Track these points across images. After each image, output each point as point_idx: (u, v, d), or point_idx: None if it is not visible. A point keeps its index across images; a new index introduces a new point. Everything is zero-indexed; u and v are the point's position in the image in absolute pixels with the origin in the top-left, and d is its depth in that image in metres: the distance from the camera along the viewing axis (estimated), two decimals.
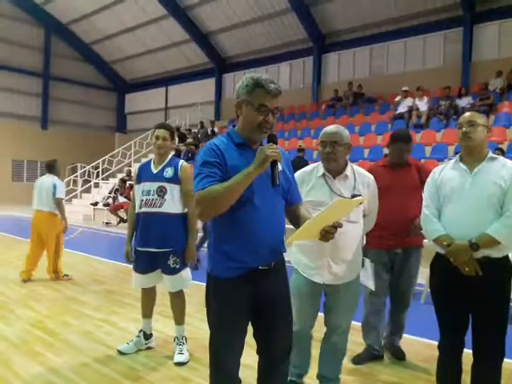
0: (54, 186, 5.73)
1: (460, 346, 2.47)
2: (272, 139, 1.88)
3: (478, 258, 2.28)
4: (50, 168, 6.00)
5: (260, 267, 1.93)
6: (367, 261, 2.90)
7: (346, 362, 3.22)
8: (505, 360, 2.35)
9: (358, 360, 3.25)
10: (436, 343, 2.58)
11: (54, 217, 5.80)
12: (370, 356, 3.28)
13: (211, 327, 1.99)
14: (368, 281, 2.89)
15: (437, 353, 2.57)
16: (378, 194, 2.84)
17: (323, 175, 2.58)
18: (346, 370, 3.08)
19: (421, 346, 3.16)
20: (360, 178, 2.62)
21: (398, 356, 3.29)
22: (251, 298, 1.95)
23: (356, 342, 3.41)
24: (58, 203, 5.75)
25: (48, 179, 5.87)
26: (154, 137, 3.30)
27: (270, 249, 1.94)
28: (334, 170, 2.58)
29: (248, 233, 1.89)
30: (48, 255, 5.82)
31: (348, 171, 2.60)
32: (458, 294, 2.40)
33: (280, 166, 1.94)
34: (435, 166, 2.74)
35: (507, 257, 2.38)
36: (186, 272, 3.34)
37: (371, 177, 2.69)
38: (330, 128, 2.61)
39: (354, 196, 2.53)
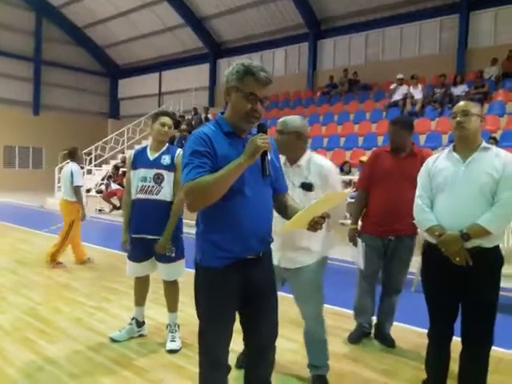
0: (72, 174, 5.79)
1: (449, 334, 2.51)
2: (262, 129, 1.85)
3: (469, 247, 2.30)
4: (71, 155, 6.09)
5: (249, 257, 1.93)
6: (359, 241, 3.24)
7: (336, 349, 3.27)
8: (492, 348, 2.39)
9: (350, 337, 3.41)
10: (426, 331, 2.61)
11: (68, 204, 5.84)
12: (360, 333, 3.44)
13: (200, 316, 2.00)
14: (357, 259, 3.24)
15: (426, 340, 2.60)
16: (377, 179, 2.93)
17: (284, 163, 2.62)
18: (335, 357, 3.12)
19: (411, 333, 3.20)
20: (314, 167, 2.61)
21: (388, 343, 3.34)
22: (240, 287, 1.95)
23: (349, 329, 3.45)
24: (75, 191, 5.78)
25: (67, 167, 5.97)
26: (160, 124, 3.26)
27: (258, 239, 1.95)
28: (290, 158, 2.64)
29: (238, 223, 1.88)
30: (58, 240, 5.88)
31: (302, 161, 2.63)
32: (449, 283, 2.42)
33: (269, 156, 1.92)
34: (430, 154, 2.73)
35: (498, 247, 2.40)
36: (181, 261, 3.34)
37: (329, 168, 2.65)
38: (286, 118, 2.67)
39: (303, 184, 2.58)
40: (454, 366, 2.49)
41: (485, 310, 2.36)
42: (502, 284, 2.44)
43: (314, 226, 1.84)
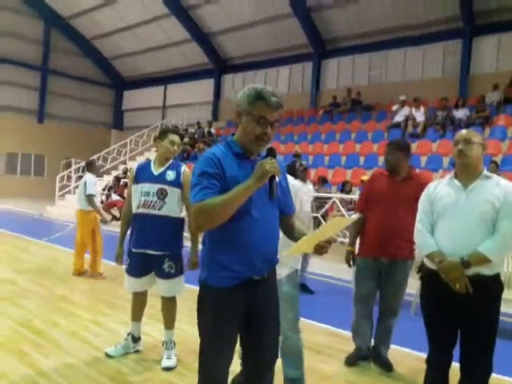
0: (85, 184, 5.99)
1: (448, 360, 2.49)
2: (271, 153, 1.88)
3: (469, 275, 2.30)
4: (88, 166, 6.41)
5: (254, 277, 1.94)
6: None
7: (331, 370, 3.24)
8: (492, 375, 2.37)
9: (348, 360, 3.38)
10: (424, 355, 2.60)
11: (84, 214, 6.06)
12: (358, 356, 3.41)
13: (202, 335, 1.99)
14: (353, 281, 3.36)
15: (424, 365, 2.59)
16: (373, 201, 2.97)
17: None
18: (330, 379, 3.13)
19: (409, 357, 3.17)
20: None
21: (386, 367, 3.31)
22: (244, 307, 1.96)
23: (345, 350, 3.42)
24: (88, 199, 5.98)
25: (84, 177, 6.21)
26: (169, 142, 3.28)
27: (264, 260, 1.96)
28: None
29: (244, 244, 1.90)
30: (76, 250, 6.06)
31: None
32: (448, 310, 2.41)
33: (277, 178, 1.95)
34: (430, 176, 2.75)
35: (498, 274, 2.40)
36: (181, 278, 3.33)
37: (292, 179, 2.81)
38: None
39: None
40: None
41: (484, 337, 2.35)
42: (502, 309, 2.44)
43: (320, 250, 1.86)
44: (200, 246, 2.02)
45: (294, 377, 2.80)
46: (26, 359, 3.21)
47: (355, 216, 1.87)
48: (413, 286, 4.92)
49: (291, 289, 2.75)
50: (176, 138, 3.31)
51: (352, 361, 3.39)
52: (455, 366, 2.46)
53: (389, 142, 3.40)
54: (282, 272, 2.63)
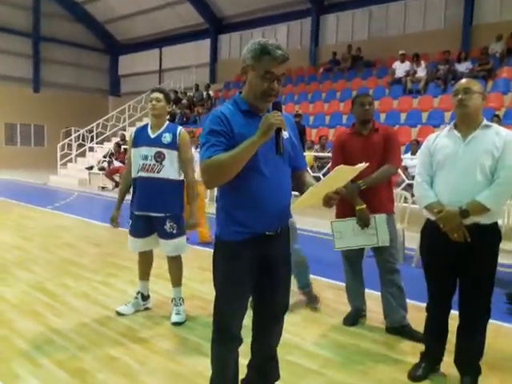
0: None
1: (447, 307, 2.58)
2: (276, 107, 1.88)
3: (468, 224, 2.34)
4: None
5: (267, 233, 1.99)
6: (377, 217, 3.10)
7: (337, 323, 3.36)
8: (490, 321, 2.46)
9: (346, 321, 3.38)
10: (424, 305, 2.68)
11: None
12: (356, 317, 3.41)
13: (217, 288, 2.06)
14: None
15: (425, 314, 2.68)
16: (347, 162, 2.89)
17: None
18: (336, 330, 3.24)
19: (410, 308, 3.26)
20: None
21: (416, 339, 3.00)
22: (256, 261, 2.01)
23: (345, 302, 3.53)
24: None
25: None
26: (149, 99, 3.30)
27: (276, 216, 1.99)
28: None
29: (255, 201, 1.93)
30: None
31: None
32: (447, 259, 2.47)
33: (286, 134, 1.95)
34: (431, 132, 2.75)
35: (496, 223, 2.44)
36: (183, 238, 3.40)
37: None
38: None
39: None
40: (452, 339, 2.57)
41: (483, 285, 2.42)
42: (500, 260, 2.49)
43: (328, 201, 1.87)
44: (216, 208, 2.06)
45: (305, 283, 3.68)
46: (39, 319, 3.33)
47: (362, 165, 1.82)
48: (414, 240, 5.02)
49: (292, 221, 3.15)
50: (155, 94, 3.29)
51: (350, 321, 3.37)
52: (454, 313, 2.55)
53: (363, 94, 3.32)
54: None
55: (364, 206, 3.08)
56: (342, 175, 1.88)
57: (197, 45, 19.79)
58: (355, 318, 3.40)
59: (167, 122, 3.37)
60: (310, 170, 7.99)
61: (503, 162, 2.30)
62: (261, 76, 1.86)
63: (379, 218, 3.10)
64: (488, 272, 2.42)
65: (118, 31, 22.60)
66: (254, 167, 1.89)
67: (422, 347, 2.72)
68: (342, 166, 1.81)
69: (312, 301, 3.73)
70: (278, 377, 2.33)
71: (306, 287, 3.74)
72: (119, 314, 3.45)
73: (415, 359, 2.71)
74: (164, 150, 3.25)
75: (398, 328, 3.17)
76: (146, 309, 3.57)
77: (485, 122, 2.43)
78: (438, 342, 2.63)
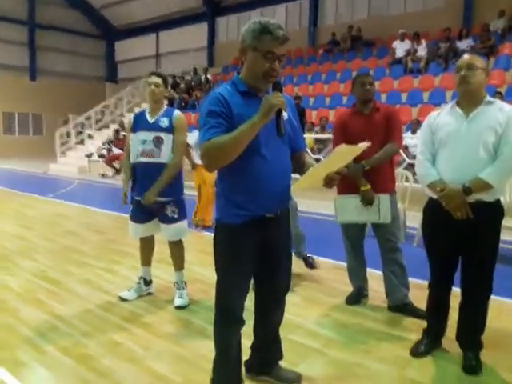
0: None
1: (449, 284, 2.58)
2: (277, 87, 1.84)
3: (470, 202, 2.31)
4: None
5: (267, 215, 1.97)
6: (381, 197, 3.07)
7: (338, 302, 3.37)
8: (492, 297, 2.46)
9: (348, 300, 3.40)
10: (426, 283, 2.68)
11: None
12: (358, 296, 3.42)
13: (218, 271, 2.06)
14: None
15: (427, 292, 2.68)
16: (348, 142, 2.85)
17: None
18: (338, 309, 3.27)
19: (412, 286, 3.26)
20: None
21: (419, 316, 3.00)
22: (257, 243, 2.01)
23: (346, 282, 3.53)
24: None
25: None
26: (147, 84, 3.25)
27: (276, 198, 1.98)
28: None
29: (255, 183, 1.91)
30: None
31: None
32: (450, 237, 2.46)
33: (286, 115, 1.93)
34: (432, 111, 2.70)
35: (499, 200, 2.42)
36: (184, 222, 3.39)
37: None
38: None
39: None
40: (454, 315, 2.57)
41: (485, 262, 2.41)
42: (503, 236, 2.48)
43: (330, 182, 1.85)
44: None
45: (302, 251, 4.03)
46: (43, 307, 3.35)
47: (364, 144, 1.78)
48: (416, 219, 5.00)
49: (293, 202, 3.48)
50: (153, 78, 3.23)
51: (352, 301, 3.37)
52: (456, 290, 2.55)
53: (363, 74, 3.29)
54: None
55: (369, 186, 3.06)
56: (344, 155, 1.84)
57: (194, 28, 19.53)
58: (357, 297, 3.41)
59: (165, 107, 3.32)
60: (310, 153, 7.95)
61: (506, 138, 2.27)
62: (262, 56, 1.82)
63: (383, 198, 3.09)
64: (491, 249, 2.41)
65: (113, 16, 22.30)
66: (254, 149, 1.86)
67: (424, 324, 2.73)
68: (343, 145, 1.77)
69: (310, 264, 4.06)
70: (281, 357, 2.35)
71: (303, 252, 4.07)
72: (122, 299, 3.46)
73: (417, 336, 2.73)
74: (162, 135, 3.22)
75: (400, 306, 3.18)
76: (149, 294, 3.58)
77: (488, 98, 2.39)
78: (440, 318, 2.64)
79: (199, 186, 5.98)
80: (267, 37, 1.80)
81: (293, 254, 2.97)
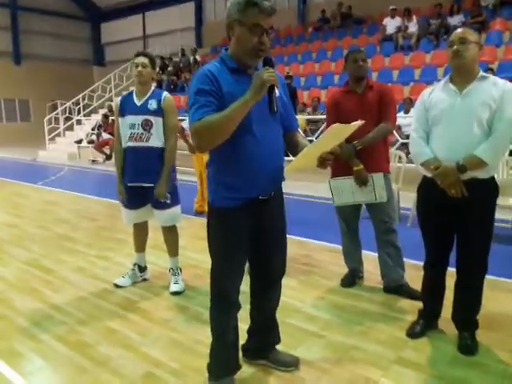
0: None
1: (444, 264, 2.58)
2: (268, 63, 1.78)
3: (465, 179, 2.29)
4: None
5: (260, 197, 1.94)
6: (375, 176, 3.03)
7: (333, 284, 3.38)
8: (487, 276, 2.46)
9: (344, 283, 3.39)
10: (421, 263, 2.68)
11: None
12: (353, 278, 3.42)
13: (212, 255, 2.04)
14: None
15: (421, 273, 2.68)
16: (341, 121, 2.81)
17: None
18: (332, 291, 3.28)
19: (407, 267, 3.27)
20: None
21: (414, 297, 3.02)
22: (251, 227, 1.98)
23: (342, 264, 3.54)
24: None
25: None
26: (134, 65, 3.15)
27: (270, 179, 1.94)
28: None
29: (248, 163, 1.86)
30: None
31: None
32: (444, 216, 2.44)
33: (277, 92, 1.87)
34: (424, 89, 2.65)
35: (493, 177, 2.40)
36: (177, 207, 3.35)
37: None
38: None
39: None
40: (449, 295, 2.59)
41: (480, 240, 2.40)
42: (497, 215, 2.47)
43: (323, 162, 1.81)
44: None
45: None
46: (37, 296, 3.32)
47: (357, 122, 1.74)
48: (409, 200, 5.01)
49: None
50: (140, 59, 3.13)
51: (347, 283, 3.36)
52: (451, 270, 2.55)
53: (356, 50, 3.17)
54: None
55: (361, 166, 3.02)
56: (337, 134, 1.80)
57: (181, 8, 19.13)
58: (352, 279, 3.41)
59: (153, 88, 3.24)
60: (302, 134, 7.89)
61: (501, 113, 2.24)
62: (248, 30, 1.76)
63: (376, 177, 3.05)
64: (485, 227, 2.40)
65: None
66: (246, 128, 1.81)
67: (419, 305, 2.74)
68: (337, 124, 1.73)
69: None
70: (278, 340, 2.35)
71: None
72: (117, 286, 3.44)
73: (413, 317, 2.74)
74: (151, 118, 3.14)
75: (396, 287, 3.19)
76: (144, 280, 3.56)
77: (481, 73, 2.35)
78: (435, 298, 2.65)
79: (200, 172, 5.74)
80: (253, 9, 1.75)
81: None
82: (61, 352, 2.54)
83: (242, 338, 2.26)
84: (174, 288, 3.33)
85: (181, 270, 3.47)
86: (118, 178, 3.32)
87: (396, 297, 3.15)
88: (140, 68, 3.12)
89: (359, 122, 1.77)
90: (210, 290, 2.07)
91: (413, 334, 2.61)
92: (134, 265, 3.54)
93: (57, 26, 21.73)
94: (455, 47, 2.30)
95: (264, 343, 2.32)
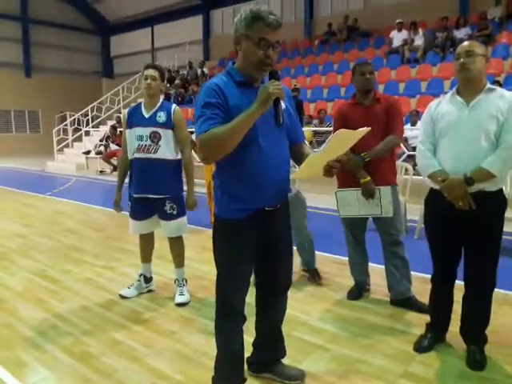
0: None
1: (452, 277, 2.55)
2: (274, 76, 1.80)
3: (473, 192, 2.28)
4: None
5: (266, 208, 1.94)
6: (382, 189, 3.03)
7: (339, 297, 3.35)
8: (496, 290, 2.43)
9: (350, 295, 3.36)
10: (428, 276, 2.66)
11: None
12: (359, 290, 3.39)
13: (218, 267, 2.04)
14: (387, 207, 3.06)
15: (429, 286, 2.65)
16: None
17: None
18: (339, 304, 3.25)
19: (414, 279, 3.24)
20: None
21: (422, 310, 2.99)
22: (257, 238, 1.98)
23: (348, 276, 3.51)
24: None
25: None
26: (143, 77, 3.19)
27: (275, 190, 1.95)
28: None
29: (254, 175, 1.87)
30: None
31: None
32: (452, 228, 2.42)
33: (283, 104, 1.89)
34: (431, 101, 2.66)
35: (501, 190, 2.38)
36: (183, 218, 3.35)
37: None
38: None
39: None
40: (457, 309, 2.55)
41: (488, 254, 2.38)
42: (506, 228, 2.45)
43: (329, 170, 1.81)
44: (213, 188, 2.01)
45: (308, 260, 3.75)
46: (43, 306, 3.32)
47: (364, 128, 1.73)
48: (416, 211, 4.98)
49: (299, 203, 3.58)
50: (149, 71, 3.16)
51: (354, 296, 3.34)
52: (459, 283, 2.52)
53: (363, 63, 3.17)
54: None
55: (369, 178, 3.02)
56: (343, 141, 1.79)
57: (189, 21, 19.39)
58: (359, 291, 3.38)
59: (161, 100, 3.27)
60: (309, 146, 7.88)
61: (508, 125, 2.23)
62: (255, 44, 1.79)
63: (384, 190, 3.04)
64: (494, 240, 2.37)
65: (107, 11, 22.11)
66: (252, 140, 1.83)
67: (427, 318, 2.71)
68: (342, 130, 1.72)
69: (314, 277, 3.74)
70: (284, 354, 2.33)
71: (310, 264, 3.78)
72: (123, 297, 3.44)
73: (421, 330, 2.71)
74: (159, 130, 3.17)
75: (403, 300, 3.16)
76: (150, 291, 3.56)
77: (488, 85, 2.35)
78: (443, 312, 2.61)
79: (209, 183, 5.72)
80: (259, 23, 1.77)
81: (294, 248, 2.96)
82: (65, 362, 2.54)
83: (248, 351, 2.24)
84: (179, 299, 3.32)
85: (186, 281, 3.46)
86: (117, 187, 3.39)
87: (403, 310, 3.12)
88: (149, 80, 3.15)
89: (365, 129, 1.76)
90: (215, 301, 2.07)
91: (420, 348, 2.58)
92: (140, 275, 3.53)
93: (67, 38, 22.09)
94: (462, 60, 2.30)
95: (269, 356, 2.30)
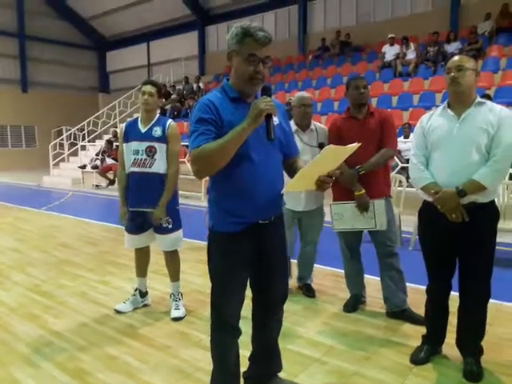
0: None
1: (447, 289, 2.56)
2: (266, 92, 1.83)
3: (465, 204, 2.31)
4: None
5: (260, 222, 1.96)
6: (376, 202, 3.07)
7: (336, 310, 3.35)
8: (490, 301, 2.44)
9: (346, 308, 3.36)
10: (423, 287, 2.67)
11: None
12: (355, 303, 3.38)
13: (212, 281, 2.04)
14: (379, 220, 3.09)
15: (424, 297, 2.66)
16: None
17: (296, 131, 3.31)
18: (335, 317, 3.24)
19: (409, 291, 3.25)
20: (320, 130, 3.45)
21: (418, 323, 2.97)
22: (252, 251, 1.99)
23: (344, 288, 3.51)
24: None
25: None
26: (141, 93, 3.22)
27: (269, 204, 1.96)
28: (306, 125, 3.42)
29: (247, 189, 1.89)
30: None
31: (313, 126, 3.45)
32: (446, 240, 2.45)
33: (276, 119, 1.91)
34: (423, 114, 2.70)
35: (493, 201, 2.42)
36: (179, 232, 3.36)
37: (326, 128, 3.46)
38: (304, 93, 3.55)
39: (321, 145, 3.33)
40: (453, 320, 2.56)
41: (482, 265, 2.40)
42: (499, 239, 2.47)
43: (322, 185, 1.82)
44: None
45: (304, 275, 3.77)
46: (38, 321, 3.30)
47: (354, 145, 1.76)
48: (411, 223, 5.01)
49: (321, 218, 3.63)
50: (146, 87, 3.20)
51: (350, 308, 3.34)
52: (454, 294, 2.53)
53: (357, 77, 3.21)
54: (314, 204, 3.50)
55: (363, 191, 3.05)
56: (333, 156, 1.81)
57: (184, 37, 19.58)
58: (355, 304, 3.38)
59: (158, 116, 3.30)
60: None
61: (499, 139, 2.27)
62: (245, 59, 1.82)
63: (378, 204, 3.07)
64: (487, 251, 2.40)
65: (103, 27, 22.30)
66: (244, 154, 1.85)
67: (423, 330, 2.71)
68: (331, 145, 1.76)
69: (308, 292, 3.72)
70: (280, 368, 2.32)
71: (304, 279, 3.80)
72: (118, 312, 3.42)
73: (417, 342, 2.71)
74: (155, 144, 3.19)
75: (399, 312, 3.16)
76: (145, 305, 3.54)
77: (478, 99, 2.40)
78: (439, 324, 2.62)
79: None
80: (248, 40, 1.81)
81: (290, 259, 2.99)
82: (60, 379, 2.51)
83: (244, 365, 2.23)
84: (174, 314, 3.30)
85: (182, 295, 3.45)
86: (120, 201, 3.36)
87: (399, 321, 3.12)
88: (146, 96, 3.19)
89: (356, 145, 1.79)
90: (210, 315, 2.06)
91: (417, 360, 2.58)
92: (136, 290, 3.52)
93: (63, 54, 22.21)
94: (452, 74, 2.35)
95: (266, 370, 2.28)
